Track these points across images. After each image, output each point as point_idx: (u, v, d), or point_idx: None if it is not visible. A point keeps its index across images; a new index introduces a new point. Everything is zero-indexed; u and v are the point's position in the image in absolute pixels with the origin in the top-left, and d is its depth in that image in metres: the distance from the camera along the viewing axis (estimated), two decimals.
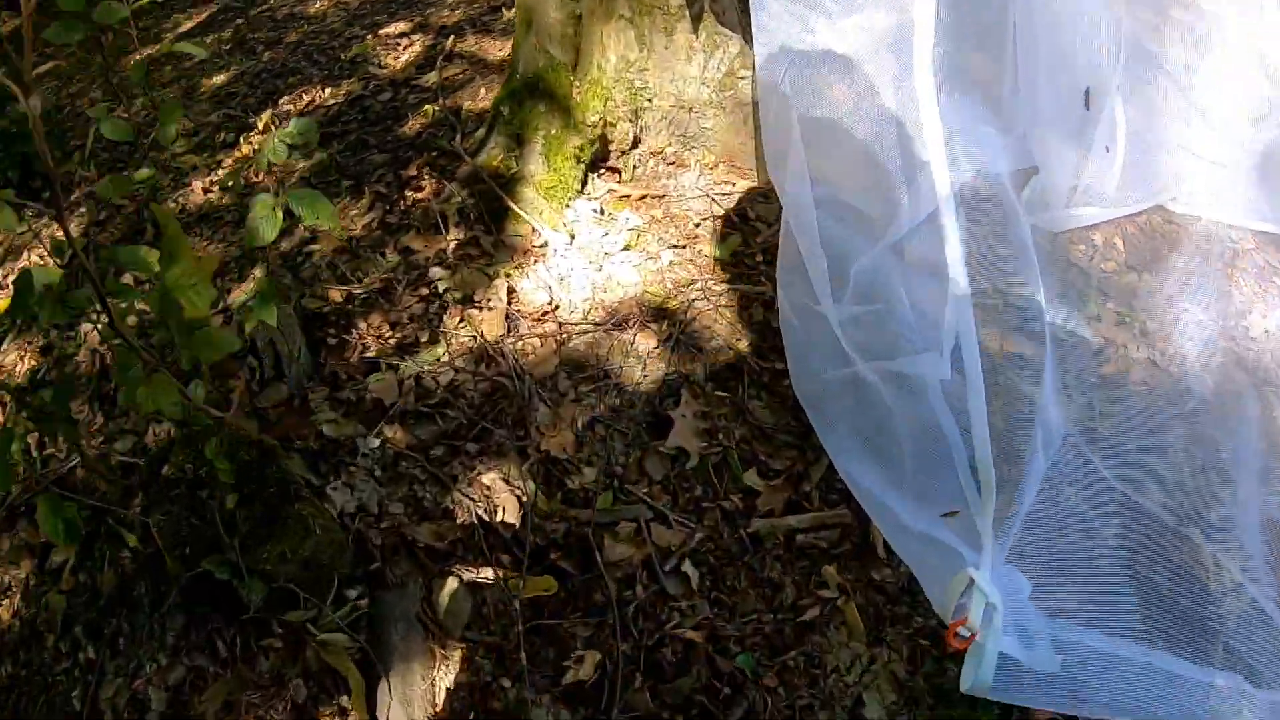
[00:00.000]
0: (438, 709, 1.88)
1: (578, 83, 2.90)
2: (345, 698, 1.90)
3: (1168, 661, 1.17)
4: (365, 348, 2.47)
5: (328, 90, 3.89)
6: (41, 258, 4.10)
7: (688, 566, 2.04)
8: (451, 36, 4.07)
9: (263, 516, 2.02)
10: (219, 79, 4.26)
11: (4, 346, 3.49)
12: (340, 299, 2.62)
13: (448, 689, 1.92)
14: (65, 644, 2.36)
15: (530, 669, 1.89)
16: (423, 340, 2.45)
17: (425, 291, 2.58)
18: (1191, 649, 1.29)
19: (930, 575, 1.41)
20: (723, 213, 2.77)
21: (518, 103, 2.91)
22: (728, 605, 1.98)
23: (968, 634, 1.16)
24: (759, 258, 2.63)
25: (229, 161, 3.64)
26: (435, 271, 2.60)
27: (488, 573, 2.04)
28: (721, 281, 2.56)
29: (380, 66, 3.98)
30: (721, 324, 2.45)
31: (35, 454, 2.88)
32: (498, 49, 3.91)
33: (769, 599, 1.98)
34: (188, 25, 5.40)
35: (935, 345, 1.84)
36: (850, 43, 2.22)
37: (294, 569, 2.01)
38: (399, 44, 4.18)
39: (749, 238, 2.68)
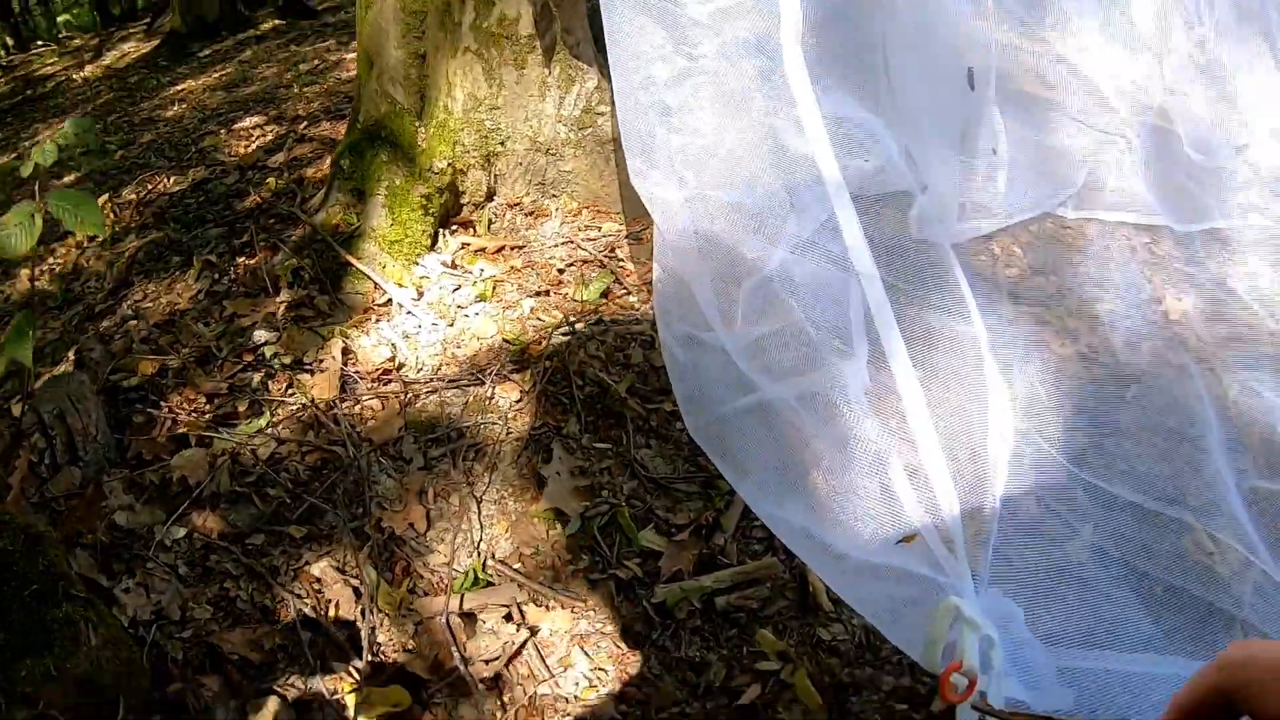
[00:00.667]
0: None
1: (423, 128, 2.62)
2: None
3: (1189, 667, 0.88)
4: (175, 423, 2.03)
5: (172, 179, 3.50)
6: None
7: (577, 656, 1.64)
8: (305, 122, 3.78)
9: (21, 623, 1.52)
10: (68, 179, 3.82)
11: None
12: (152, 371, 2.18)
13: None
14: None
15: None
16: (242, 410, 2.03)
17: (250, 358, 2.18)
18: (1211, 642, 1.00)
19: (895, 618, 1.07)
20: (589, 256, 2.49)
21: (358, 154, 2.60)
22: (639, 700, 1.57)
23: (965, 681, 0.83)
24: (631, 297, 2.35)
25: (61, 250, 3.17)
26: (260, 335, 2.20)
27: (318, 685, 1.59)
28: (591, 324, 2.25)
29: (229, 155, 3.64)
30: (594, 368, 2.13)
31: None
32: None
33: (692, 684, 1.59)
34: (46, 133, 4.99)
35: (849, 354, 1.56)
36: (711, 48, 2.03)
37: (65, 691, 1.49)
38: (251, 134, 3.86)
39: (620, 277, 2.40)
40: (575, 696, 1.57)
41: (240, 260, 2.59)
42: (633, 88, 1.99)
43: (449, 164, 2.58)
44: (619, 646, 1.65)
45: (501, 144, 2.63)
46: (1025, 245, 2.37)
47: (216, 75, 5.18)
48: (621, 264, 2.44)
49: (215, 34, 6.23)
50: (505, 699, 1.57)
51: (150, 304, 2.58)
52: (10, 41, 9.65)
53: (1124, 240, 2.22)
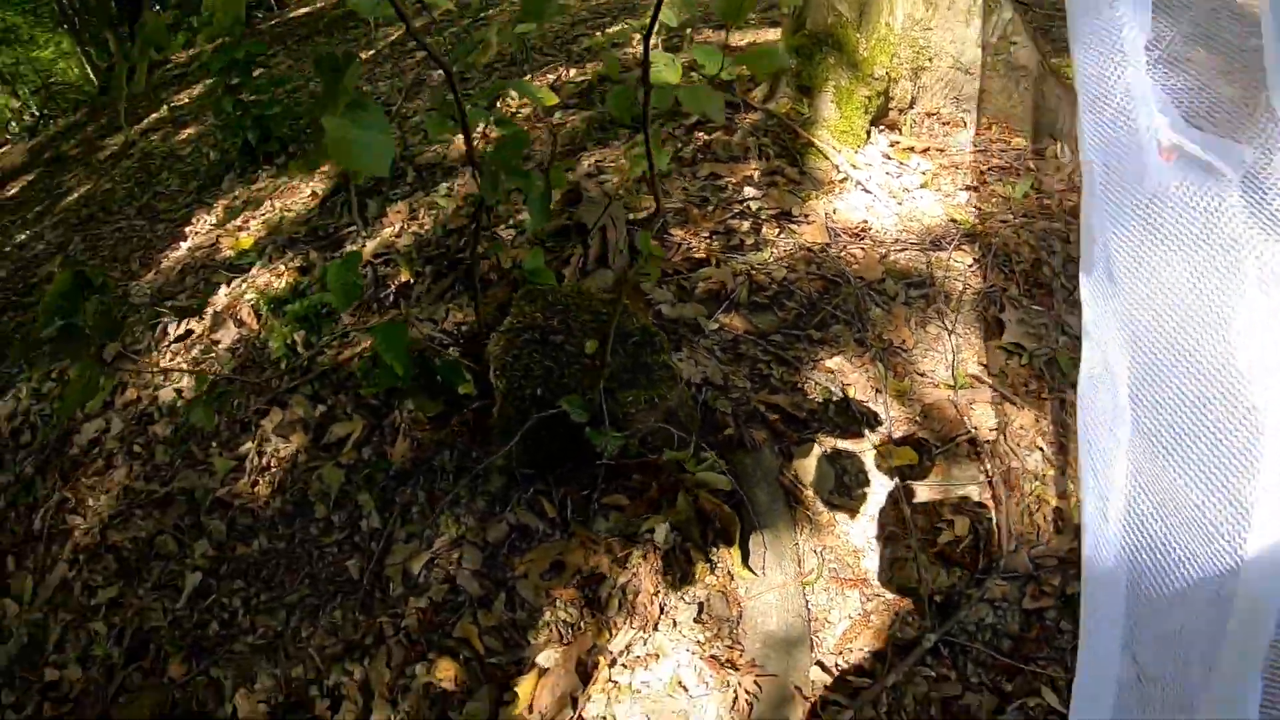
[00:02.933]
0: (803, 571, 2.00)
1: (863, 39, 3.13)
2: (715, 548, 2.00)
3: None
4: (689, 248, 2.66)
5: (572, 70, 4.18)
6: (282, 206, 4.42)
7: (1041, 443, 2.17)
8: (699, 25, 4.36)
9: (624, 364, 2.09)
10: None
11: (254, 271, 3.77)
12: (652, 208, 2.82)
13: (816, 550, 2.04)
14: (339, 516, 2.50)
15: (899, 530, 2.02)
16: (747, 244, 2.64)
17: (738, 208, 2.78)
18: None
19: None
20: (1004, 164, 2.95)
21: (806, 56, 3.14)
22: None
23: None
24: (1048, 200, 2.80)
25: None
26: (748, 191, 2.80)
27: (846, 443, 2.18)
28: (1020, 216, 2.73)
29: (624, 56, 4.28)
30: (1026, 250, 2.61)
31: (301, 350, 3.10)
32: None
33: None
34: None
35: None
36: None
37: (655, 419, 2.08)
38: (633, 38, 4.48)
39: (1037, 182, 2.85)
40: (1039, 474, 2.11)
41: (698, 135, 3.20)
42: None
43: (885, 73, 3.08)
44: (1067, 444, 2.17)
45: (929, 60, 3.10)
46: None
47: None
48: (1034, 174, 2.90)
49: None
50: (988, 465, 2.12)
51: (612, 164, 3.23)
52: None
53: None
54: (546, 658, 1.90)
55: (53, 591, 2.88)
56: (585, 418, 1.98)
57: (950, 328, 2.39)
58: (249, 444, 2.95)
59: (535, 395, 2.07)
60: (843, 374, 2.31)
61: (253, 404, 3.05)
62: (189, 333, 3.55)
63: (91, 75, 9.80)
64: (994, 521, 2.03)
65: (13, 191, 7.88)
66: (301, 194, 4.28)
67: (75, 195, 6.74)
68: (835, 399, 2.25)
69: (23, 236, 6.37)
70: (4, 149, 9.48)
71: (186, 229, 4.78)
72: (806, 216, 2.70)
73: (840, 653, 1.87)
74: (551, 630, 1.97)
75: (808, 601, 1.93)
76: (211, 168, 5.63)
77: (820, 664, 1.85)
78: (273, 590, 2.44)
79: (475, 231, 2.02)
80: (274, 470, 2.80)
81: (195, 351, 3.47)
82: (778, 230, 2.69)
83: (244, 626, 2.38)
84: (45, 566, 3.01)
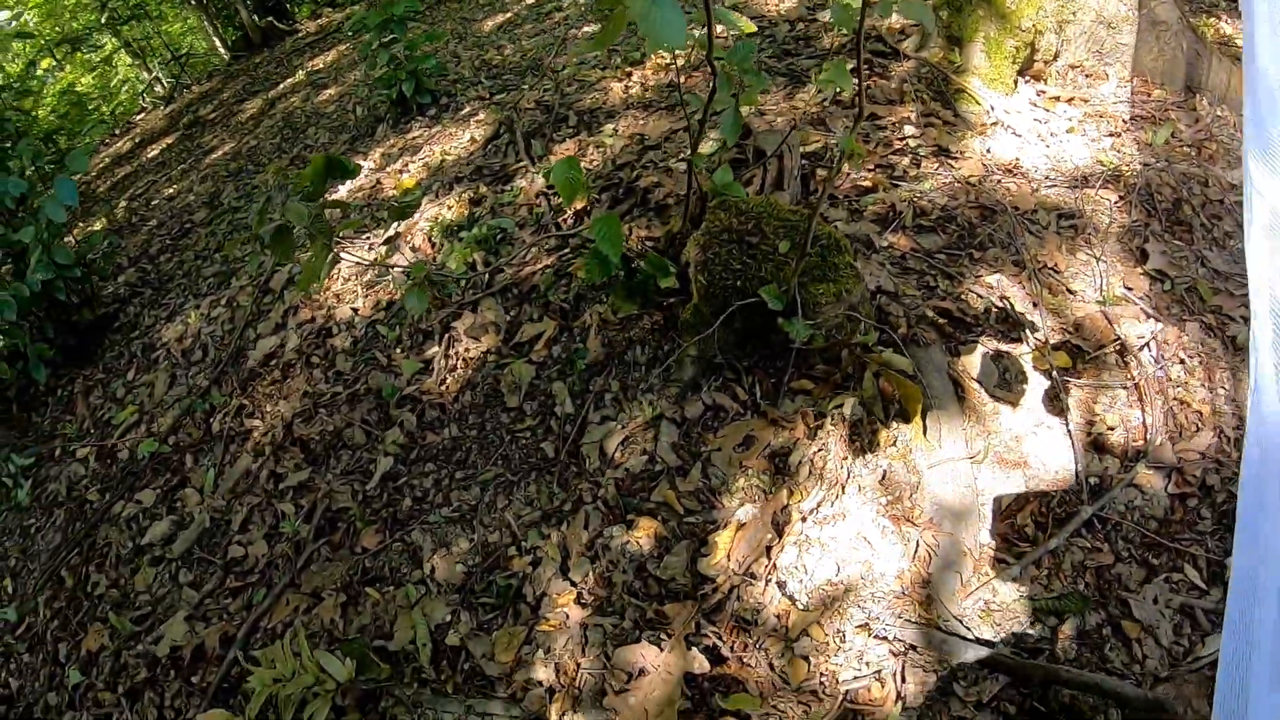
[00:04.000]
0: (973, 454, 2.28)
1: None
2: (897, 423, 2.30)
3: None
4: (856, 178, 2.93)
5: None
6: (442, 151, 4.77)
7: (1183, 357, 2.41)
8: None
9: (814, 263, 2.38)
10: None
11: (423, 205, 4.13)
12: (820, 145, 3.10)
13: (981, 435, 2.32)
14: (531, 405, 2.83)
15: (1057, 420, 2.29)
16: (910, 175, 2.91)
17: (899, 145, 3.04)
18: None
19: None
20: (1145, 114, 3.16)
21: (955, 9, 3.37)
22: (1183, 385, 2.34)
23: None
24: (1188, 148, 3.01)
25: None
26: (907, 130, 3.06)
27: (1006, 346, 2.45)
28: (1161, 160, 2.94)
29: (768, 10, 4.53)
30: (1168, 190, 2.83)
31: (481, 268, 3.44)
32: None
33: None
34: None
35: None
36: None
37: (839, 312, 2.36)
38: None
39: (1177, 131, 3.06)
40: (1181, 382, 2.35)
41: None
42: None
43: (1032, 25, 3.30)
44: (1207, 360, 2.41)
45: (1073, 14, 3.31)
46: None
47: None
48: (1173, 121, 3.10)
49: None
50: (1135, 372, 2.37)
51: (773, 108, 3.50)
52: None
53: None
54: (745, 513, 2.23)
55: (235, 481, 3.27)
56: (780, 306, 2.29)
57: (1098, 255, 2.64)
58: (434, 347, 3.31)
59: (735, 287, 2.38)
60: (1001, 288, 2.57)
61: (435, 315, 3.41)
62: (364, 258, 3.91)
63: (219, 47, 10.32)
64: (1141, 419, 2.29)
65: (154, 153, 8.42)
66: (459, 139, 4.63)
67: (219, 153, 7.21)
68: (995, 308, 2.52)
69: (171, 190, 6.88)
70: (142, 116, 10.09)
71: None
72: (962, 153, 2.96)
73: (1005, 521, 2.16)
74: (745, 493, 2.29)
75: (975, 477, 2.22)
76: (360, 120, 6.01)
77: (988, 530, 2.14)
78: (466, 470, 2.79)
79: (695, 137, 2.32)
80: (461, 369, 3.15)
81: (369, 275, 3.84)
82: (936, 165, 2.95)
83: (437, 502, 2.74)
84: (226, 461, 3.41)
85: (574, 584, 2.22)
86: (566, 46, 5.08)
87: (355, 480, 2.93)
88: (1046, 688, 1.88)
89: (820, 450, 2.26)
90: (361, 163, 5.18)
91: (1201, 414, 2.29)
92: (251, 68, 9.55)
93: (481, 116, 4.76)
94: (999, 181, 2.86)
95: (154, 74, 10.67)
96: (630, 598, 2.13)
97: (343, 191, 4.97)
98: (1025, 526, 2.16)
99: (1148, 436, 2.25)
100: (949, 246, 2.69)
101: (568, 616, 2.15)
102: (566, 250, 3.26)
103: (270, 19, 10.16)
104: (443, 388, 3.13)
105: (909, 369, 2.32)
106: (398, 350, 3.38)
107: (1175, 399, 2.32)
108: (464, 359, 3.17)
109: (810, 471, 2.24)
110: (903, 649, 1.95)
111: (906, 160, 2.99)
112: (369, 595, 2.46)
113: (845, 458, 2.22)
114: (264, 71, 9.13)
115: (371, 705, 2.19)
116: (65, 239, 4.66)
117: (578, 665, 2.05)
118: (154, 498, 3.35)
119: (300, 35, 9.96)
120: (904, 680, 1.90)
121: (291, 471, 3.07)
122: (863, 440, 2.24)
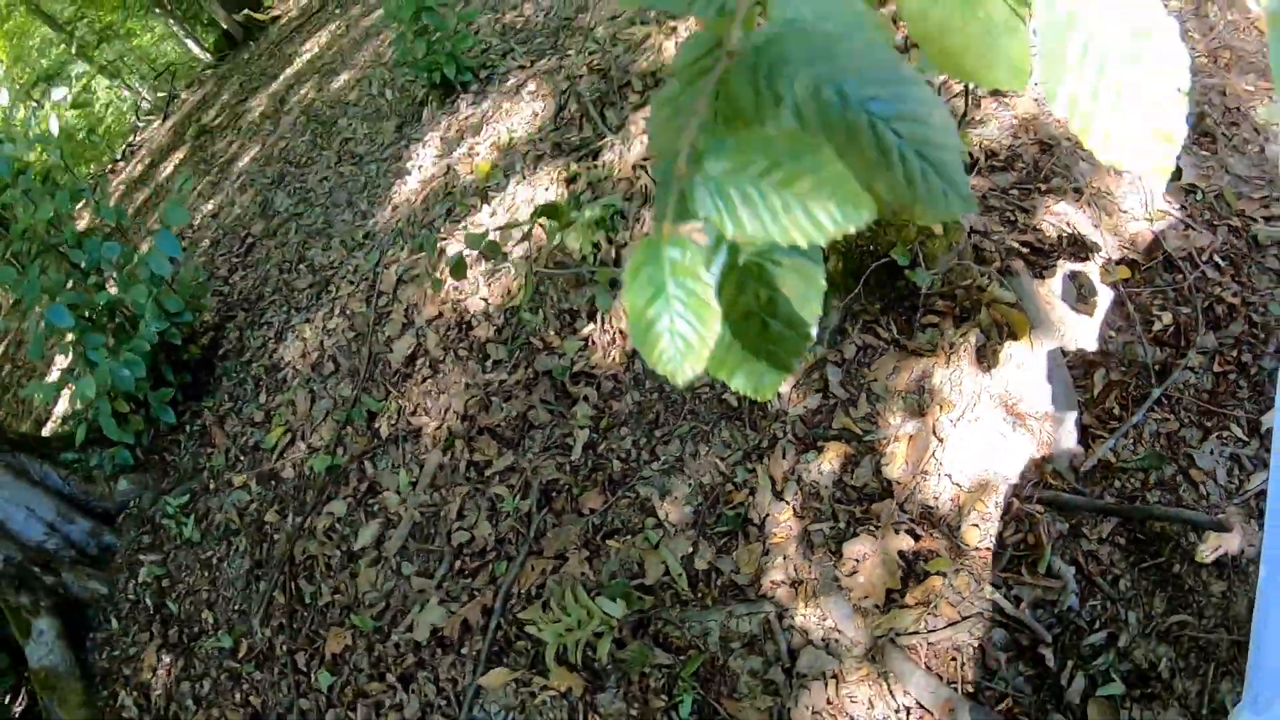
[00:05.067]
0: (1067, 357, 3.00)
1: None
2: (1010, 342, 3.01)
3: None
4: None
5: None
6: (508, 129, 5.10)
7: (1218, 259, 3.11)
8: None
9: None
10: None
11: (511, 188, 4.50)
12: None
13: (1071, 341, 3.04)
14: None
15: (1125, 323, 3.01)
16: (975, 119, 3.48)
17: (957, 88, 3.59)
18: None
19: None
20: None
21: None
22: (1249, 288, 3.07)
23: None
24: (1204, 60, 3.60)
25: None
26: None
27: (1078, 266, 3.14)
28: None
29: None
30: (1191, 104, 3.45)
31: (605, 245, 3.97)
32: None
33: None
34: None
35: None
36: None
37: (951, 261, 3.06)
38: None
39: (1193, 40, 3.64)
40: (1217, 280, 3.07)
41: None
42: None
43: None
44: (1235, 260, 3.12)
45: None
46: None
47: None
48: (1190, 32, 3.67)
49: None
50: (1180, 275, 3.08)
51: None
52: None
53: None
54: (910, 427, 2.96)
55: (432, 477, 3.68)
56: (907, 261, 2.95)
57: (1139, 175, 3.29)
58: (588, 325, 3.82)
59: (868, 250, 3.02)
60: (1067, 215, 3.23)
61: (575, 297, 3.92)
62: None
63: (195, 49, 10.04)
64: (1188, 314, 3.02)
65: (168, 171, 8.14)
66: (520, 114, 4.92)
67: (246, 159, 7.05)
68: (1065, 234, 3.19)
69: (210, 206, 6.76)
70: (138, 135, 9.82)
71: (407, 164, 5.33)
72: (1013, 91, 3.52)
73: (1096, 406, 2.92)
74: (905, 412, 3.01)
75: (1069, 372, 2.96)
76: (395, 104, 6.00)
77: (1087, 414, 2.90)
78: (660, 428, 3.43)
79: None
80: (621, 341, 3.71)
81: (484, 266, 4.24)
82: (995, 105, 3.52)
83: (644, 459, 3.36)
84: (409, 461, 3.82)
85: (787, 503, 2.97)
86: (591, 2, 5.32)
87: (556, 455, 3.51)
88: (1143, 523, 2.69)
89: (955, 371, 2.97)
90: (421, 150, 5.39)
91: (1234, 305, 3.02)
92: (243, 65, 9.33)
93: (532, 88, 5.00)
94: (1050, 115, 3.45)
95: (137, 91, 10.43)
96: (838, 505, 2.89)
97: (413, 182, 5.16)
98: (1112, 408, 2.92)
99: (1195, 328, 2.99)
100: (1020, 182, 3.32)
101: (791, 529, 2.91)
102: None
103: (246, 10, 9.87)
104: (609, 360, 3.70)
105: (1012, 299, 3.02)
106: (550, 333, 3.88)
107: (1213, 295, 3.04)
108: (621, 331, 3.70)
109: (951, 388, 2.97)
110: (1043, 510, 2.74)
111: (966, 104, 3.55)
112: (610, 546, 3.18)
113: (975, 375, 2.95)
114: (258, 67, 8.92)
115: (643, 630, 2.95)
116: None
117: (810, 562, 2.83)
118: (345, 507, 3.79)
119: (281, 21, 9.66)
120: (1049, 532, 2.70)
121: (495, 458, 3.61)
122: (986, 360, 2.95)
